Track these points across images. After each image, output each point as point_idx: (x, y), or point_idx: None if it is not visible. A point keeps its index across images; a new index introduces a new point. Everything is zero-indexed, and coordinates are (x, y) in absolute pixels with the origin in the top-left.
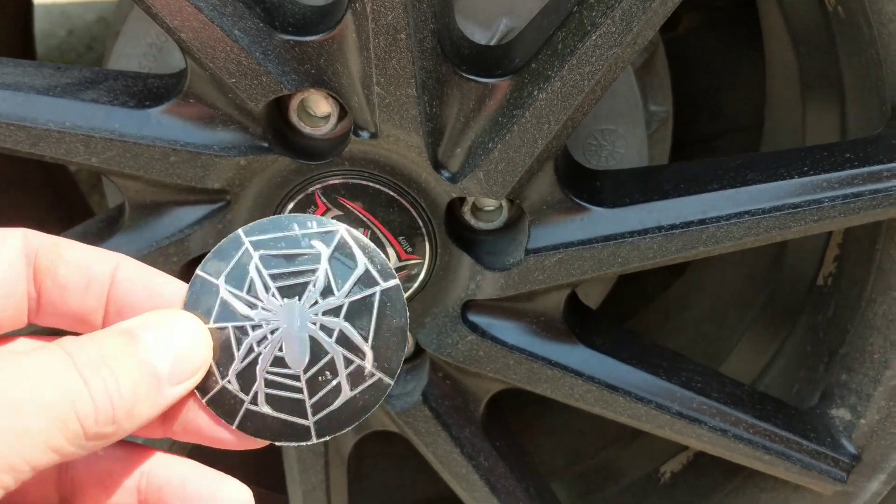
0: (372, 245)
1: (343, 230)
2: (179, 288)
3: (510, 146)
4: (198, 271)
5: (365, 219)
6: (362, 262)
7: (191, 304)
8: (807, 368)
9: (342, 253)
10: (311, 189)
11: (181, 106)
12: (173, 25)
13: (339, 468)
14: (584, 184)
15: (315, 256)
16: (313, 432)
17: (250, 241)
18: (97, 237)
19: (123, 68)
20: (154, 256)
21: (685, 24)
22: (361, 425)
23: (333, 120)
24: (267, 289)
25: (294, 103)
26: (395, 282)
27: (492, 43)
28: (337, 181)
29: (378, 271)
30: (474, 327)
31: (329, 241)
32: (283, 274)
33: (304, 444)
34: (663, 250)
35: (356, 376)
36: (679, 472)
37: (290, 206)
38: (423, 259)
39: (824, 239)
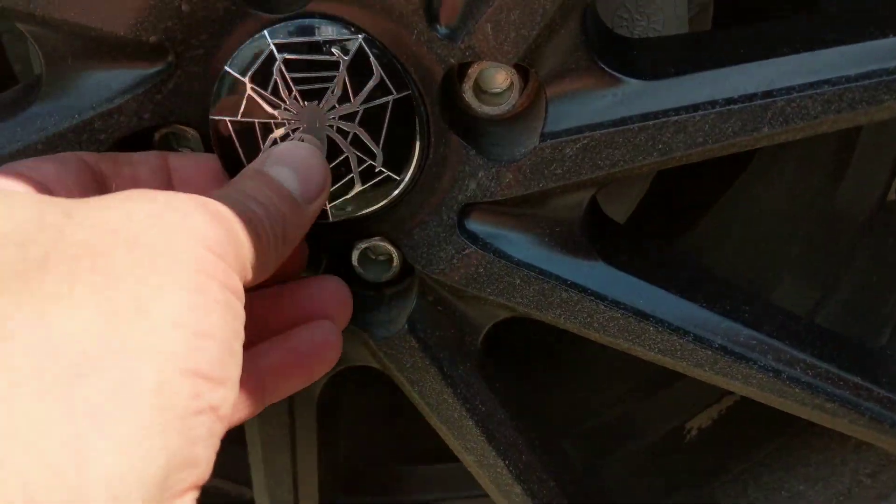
0: (389, 55)
1: (361, 40)
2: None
3: None
4: (226, 67)
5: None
6: (378, 72)
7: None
8: (873, 301)
9: (360, 62)
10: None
11: None
12: None
13: (307, 413)
14: (617, 51)
15: (334, 63)
16: (330, 215)
17: (275, 44)
18: (8, 109)
19: None
20: (76, 132)
21: None
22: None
23: None
24: (289, 91)
25: None
26: (407, 92)
27: None
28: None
29: (392, 82)
30: (474, 238)
31: (348, 49)
32: (305, 78)
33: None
34: (717, 132)
35: (367, 174)
36: (708, 429)
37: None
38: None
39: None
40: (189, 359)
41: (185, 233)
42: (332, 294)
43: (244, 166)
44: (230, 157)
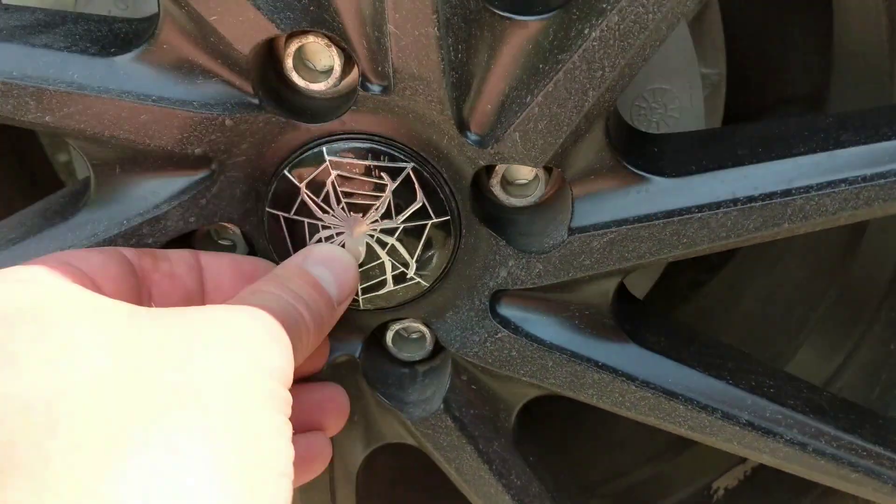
0: (433, 184)
1: (410, 169)
2: (255, 259)
3: (553, 99)
4: (285, 171)
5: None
6: (420, 198)
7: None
8: (889, 371)
9: (405, 188)
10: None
11: (153, 53)
12: None
13: (346, 486)
14: (639, 149)
15: (382, 186)
16: (360, 302)
17: (330, 161)
18: (59, 215)
19: None
20: (125, 237)
21: None
22: (372, 435)
23: (337, 74)
24: (338, 201)
25: (290, 51)
26: (446, 217)
27: None
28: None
29: (432, 208)
30: (506, 322)
31: (396, 176)
32: (354, 193)
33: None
34: (739, 228)
35: (399, 278)
36: (735, 489)
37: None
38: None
39: None
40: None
41: (258, 377)
42: (331, 402)
43: (290, 254)
44: (279, 244)
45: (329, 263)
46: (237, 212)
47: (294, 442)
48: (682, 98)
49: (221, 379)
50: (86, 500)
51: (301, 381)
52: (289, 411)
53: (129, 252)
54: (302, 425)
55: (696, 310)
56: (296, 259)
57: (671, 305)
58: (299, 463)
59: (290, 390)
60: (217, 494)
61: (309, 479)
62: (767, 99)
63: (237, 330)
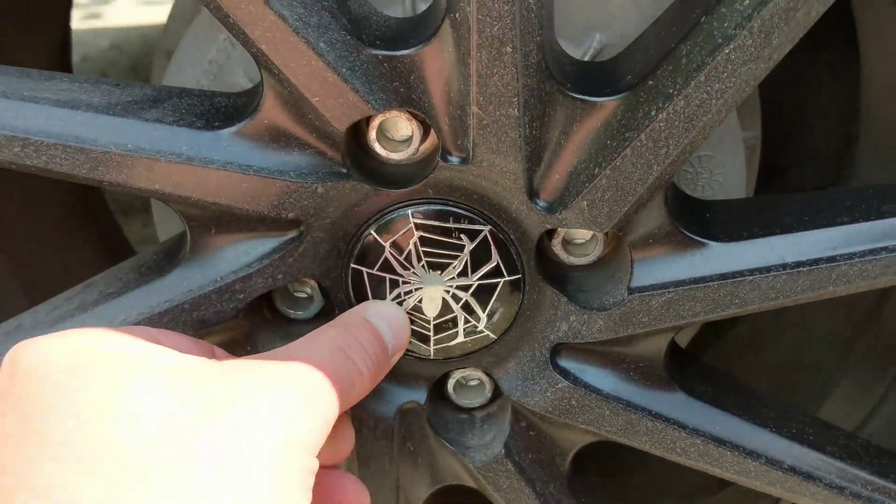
0: (506, 245)
1: (487, 231)
2: None
3: (620, 172)
4: (371, 231)
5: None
6: (495, 258)
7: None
8: None
9: (481, 248)
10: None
11: (255, 127)
12: (253, 36)
13: None
14: (694, 215)
15: (461, 246)
16: (432, 353)
17: (414, 224)
18: (154, 271)
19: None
20: (219, 293)
21: None
22: (435, 477)
23: (416, 143)
24: (419, 260)
25: (374, 125)
26: (517, 276)
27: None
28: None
29: (505, 267)
30: (565, 373)
31: (473, 237)
32: (433, 254)
33: (423, 356)
34: (787, 290)
35: (470, 331)
36: None
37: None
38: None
39: None
40: None
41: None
42: (350, 495)
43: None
44: (361, 297)
45: (388, 317)
46: (320, 268)
47: None
48: (726, 164)
49: (253, 448)
50: None
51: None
52: (311, 481)
53: (219, 352)
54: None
55: (724, 351)
56: (359, 309)
57: (703, 348)
58: None
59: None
60: None
61: None
62: (796, 154)
63: (282, 394)
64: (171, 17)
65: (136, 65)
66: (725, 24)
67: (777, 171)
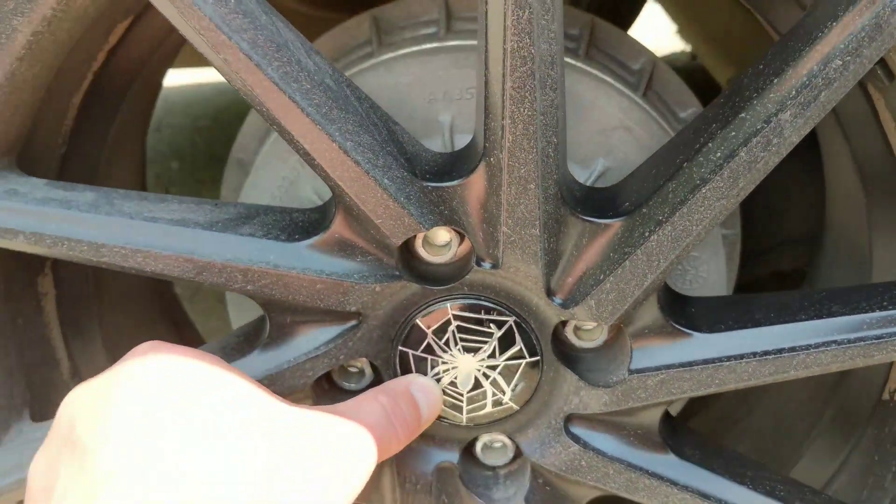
0: (527, 332)
1: (512, 322)
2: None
3: (621, 279)
4: (417, 320)
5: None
6: (519, 343)
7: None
8: (875, 477)
9: (507, 335)
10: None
11: (327, 240)
12: (333, 175)
13: None
14: (681, 310)
15: (490, 334)
16: (464, 420)
17: (452, 314)
18: (237, 352)
19: (256, 199)
20: (293, 371)
21: None
22: None
23: (454, 249)
24: (456, 344)
25: (421, 235)
26: (537, 357)
27: (589, 181)
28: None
29: (527, 350)
30: (576, 438)
31: (501, 326)
32: (467, 339)
33: (457, 423)
34: (757, 374)
35: (496, 403)
36: None
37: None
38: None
39: None
40: None
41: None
42: None
43: None
44: (406, 373)
45: (426, 391)
46: (373, 350)
47: None
48: (709, 262)
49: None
50: None
51: None
52: None
53: None
54: None
55: (713, 419)
56: (403, 381)
57: (693, 415)
58: None
59: None
60: None
61: None
62: (773, 240)
63: (342, 447)
64: (243, 132)
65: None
66: (703, 170)
67: (757, 254)
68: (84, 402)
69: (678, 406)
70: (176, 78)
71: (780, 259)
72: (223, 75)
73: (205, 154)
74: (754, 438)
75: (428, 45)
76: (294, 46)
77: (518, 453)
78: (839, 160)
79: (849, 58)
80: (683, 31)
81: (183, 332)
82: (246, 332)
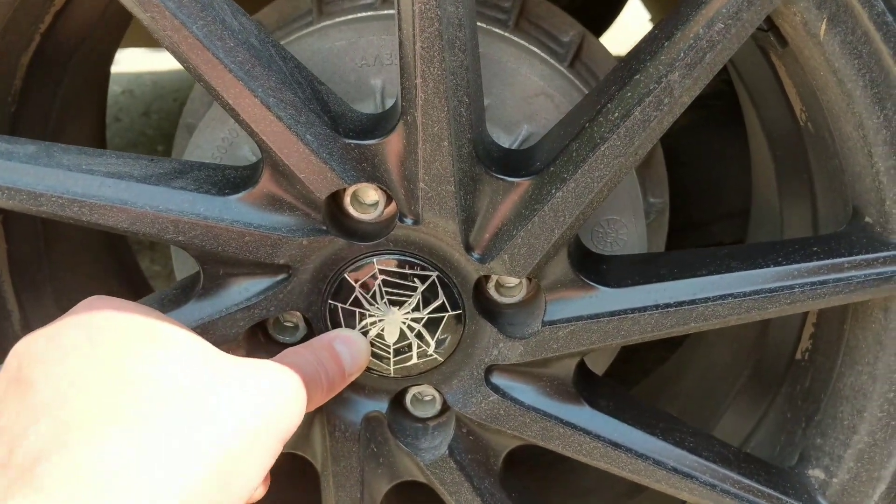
0: (449, 287)
1: (435, 276)
2: None
3: (531, 234)
4: (345, 275)
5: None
6: (441, 297)
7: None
8: (787, 433)
9: (430, 290)
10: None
11: (255, 195)
12: (257, 130)
13: None
14: (592, 266)
15: (414, 288)
16: (392, 371)
17: (378, 269)
18: (174, 303)
19: (198, 158)
20: (224, 321)
21: (680, 122)
22: (393, 474)
23: (381, 207)
24: (382, 298)
25: (349, 192)
26: (458, 311)
27: (514, 145)
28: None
29: (449, 304)
30: (496, 389)
31: (424, 280)
32: (393, 293)
33: (385, 374)
34: (660, 325)
35: (422, 354)
36: None
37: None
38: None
39: (801, 318)
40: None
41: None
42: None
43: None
44: (335, 326)
45: (349, 344)
46: (304, 303)
47: None
48: (628, 225)
49: (251, 418)
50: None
51: None
52: (272, 462)
53: None
54: None
55: (652, 384)
56: (328, 336)
57: (634, 381)
58: None
59: None
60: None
61: None
62: (714, 214)
63: (275, 383)
64: (192, 98)
65: (147, 109)
66: (602, 129)
67: (699, 226)
68: (31, 347)
69: (603, 365)
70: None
71: (721, 231)
72: (152, 33)
73: None
74: (684, 400)
75: (362, 14)
76: (219, 7)
77: (445, 406)
78: (753, 129)
79: (730, 21)
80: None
81: (137, 288)
82: (183, 284)
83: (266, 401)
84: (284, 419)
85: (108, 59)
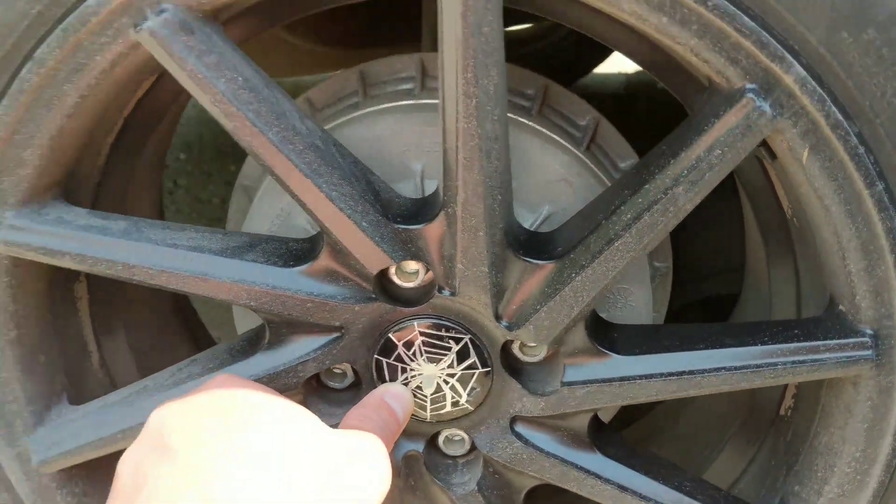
0: (480, 348)
1: (468, 339)
2: None
3: (553, 309)
4: (390, 335)
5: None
6: (473, 356)
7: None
8: (770, 479)
9: (463, 349)
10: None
11: (316, 268)
12: (321, 218)
13: None
14: (606, 335)
15: (449, 348)
16: (428, 417)
17: (419, 331)
18: (243, 354)
19: (257, 227)
20: (288, 372)
21: None
22: None
23: (421, 275)
24: (421, 355)
25: (394, 265)
26: (487, 369)
27: (536, 222)
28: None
29: (479, 362)
30: (519, 436)
31: (458, 341)
32: (430, 351)
33: (422, 419)
34: (663, 391)
35: (455, 404)
36: None
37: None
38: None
39: None
40: None
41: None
42: None
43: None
44: (381, 378)
45: (399, 399)
46: (354, 357)
47: None
48: (636, 292)
49: (383, 486)
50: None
51: None
52: None
53: None
54: None
55: (645, 429)
56: (379, 392)
57: (631, 423)
58: None
59: None
60: None
61: None
62: (712, 269)
63: (380, 453)
64: (248, 161)
65: None
66: (616, 227)
67: (698, 280)
68: (174, 415)
69: (610, 413)
70: None
71: (717, 285)
72: (233, 137)
73: (211, 146)
74: (678, 444)
75: (404, 102)
76: (291, 114)
77: (473, 447)
78: (748, 217)
79: (726, 148)
80: None
81: (195, 332)
82: (249, 337)
83: (382, 475)
84: (383, 479)
85: (174, 128)
